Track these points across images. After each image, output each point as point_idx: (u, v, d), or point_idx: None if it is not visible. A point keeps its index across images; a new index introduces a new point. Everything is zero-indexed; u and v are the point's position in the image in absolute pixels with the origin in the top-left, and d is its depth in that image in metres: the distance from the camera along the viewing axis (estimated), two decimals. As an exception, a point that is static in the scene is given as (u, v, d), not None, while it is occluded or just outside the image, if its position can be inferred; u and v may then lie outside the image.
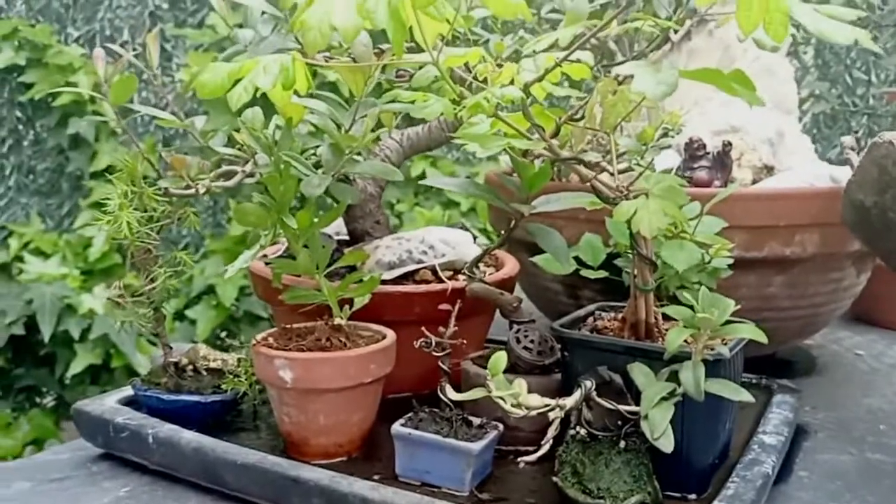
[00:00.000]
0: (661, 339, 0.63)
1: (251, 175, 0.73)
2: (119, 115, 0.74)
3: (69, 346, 2.14)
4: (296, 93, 0.68)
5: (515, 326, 0.72)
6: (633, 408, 0.52)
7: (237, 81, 0.59)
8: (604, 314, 0.71)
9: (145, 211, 0.73)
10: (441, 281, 0.81)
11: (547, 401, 0.49)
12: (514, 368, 0.70)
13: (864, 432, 0.82)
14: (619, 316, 0.67)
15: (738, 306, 0.77)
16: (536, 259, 0.80)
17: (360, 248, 0.83)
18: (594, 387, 0.54)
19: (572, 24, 0.76)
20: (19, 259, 2.28)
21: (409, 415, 0.66)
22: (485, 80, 0.60)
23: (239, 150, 0.71)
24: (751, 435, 0.71)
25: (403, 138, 0.91)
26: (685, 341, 0.55)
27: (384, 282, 0.79)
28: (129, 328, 0.76)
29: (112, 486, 0.69)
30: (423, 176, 2.19)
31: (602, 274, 0.78)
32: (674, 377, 0.54)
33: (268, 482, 0.63)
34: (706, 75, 0.52)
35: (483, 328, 0.86)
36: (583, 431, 0.57)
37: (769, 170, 0.99)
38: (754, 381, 0.85)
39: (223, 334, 2.34)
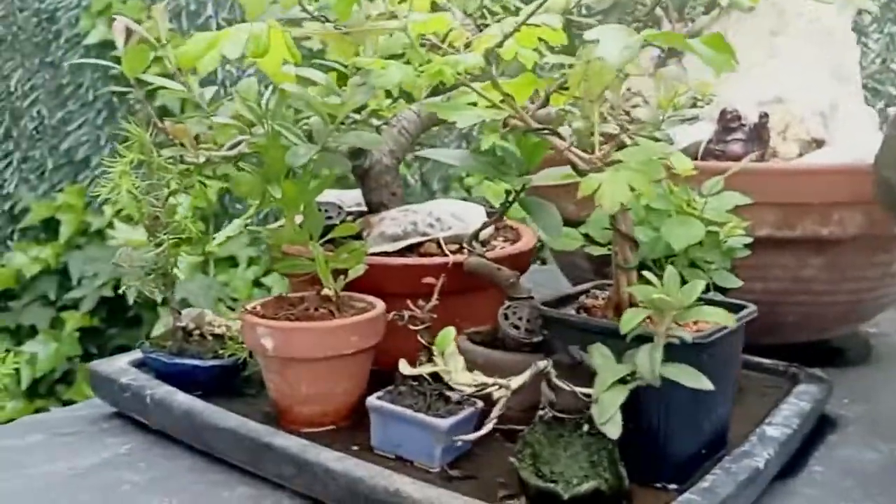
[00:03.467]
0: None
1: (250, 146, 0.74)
2: (135, 86, 0.76)
3: (153, 308, 2.25)
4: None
5: (506, 303, 0.70)
6: (588, 390, 0.49)
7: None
8: (598, 292, 0.68)
9: (155, 179, 0.75)
10: (445, 255, 0.79)
11: (482, 379, 0.47)
12: (503, 346, 0.68)
13: (900, 429, 0.75)
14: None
15: (739, 283, 0.72)
16: (540, 234, 0.78)
17: (367, 219, 0.82)
18: (551, 366, 0.52)
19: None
20: (112, 226, 2.41)
21: (390, 387, 0.65)
22: (458, 49, 0.58)
23: (238, 119, 0.72)
24: (756, 426, 0.67)
25: (422, 109, 0.89)
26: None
27: (387, 254, 0.79)
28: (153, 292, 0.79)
29: (114, 442, 0.72)
30: (492, 149, 2.15)
31: (607, 252, 0.75)
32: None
33: (244, 447, 0.64)
34: (670, 38, 0.48)
35: (491, 305, 0.84)
36: (550, 414, 0.55)
37: (819, 143, 0.92)
38: (781, 367, 0.80)
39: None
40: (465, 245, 0.75)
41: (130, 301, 2.19)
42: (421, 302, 0.65)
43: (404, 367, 0.54)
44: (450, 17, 0.54)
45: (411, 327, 0.63)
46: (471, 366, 0.65)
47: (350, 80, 0.66)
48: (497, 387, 0.47)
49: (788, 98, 0.93)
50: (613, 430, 0.47)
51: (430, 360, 0.64)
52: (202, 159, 0.72)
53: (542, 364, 0.52)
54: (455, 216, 0.82)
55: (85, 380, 2.44)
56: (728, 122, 0.85)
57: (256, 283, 2.42)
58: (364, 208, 0.91)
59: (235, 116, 0.72)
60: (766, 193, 0.78)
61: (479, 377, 0.47)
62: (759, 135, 0.85)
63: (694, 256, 0.71)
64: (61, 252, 2.44)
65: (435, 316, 0.63)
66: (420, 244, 0.81)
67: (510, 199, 0.72)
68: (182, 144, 0.73)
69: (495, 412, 0.48)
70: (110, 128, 2.49)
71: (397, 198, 0.89)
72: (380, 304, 0.70)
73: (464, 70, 0.52)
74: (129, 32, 0.76)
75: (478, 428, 0.64)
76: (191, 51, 0.60)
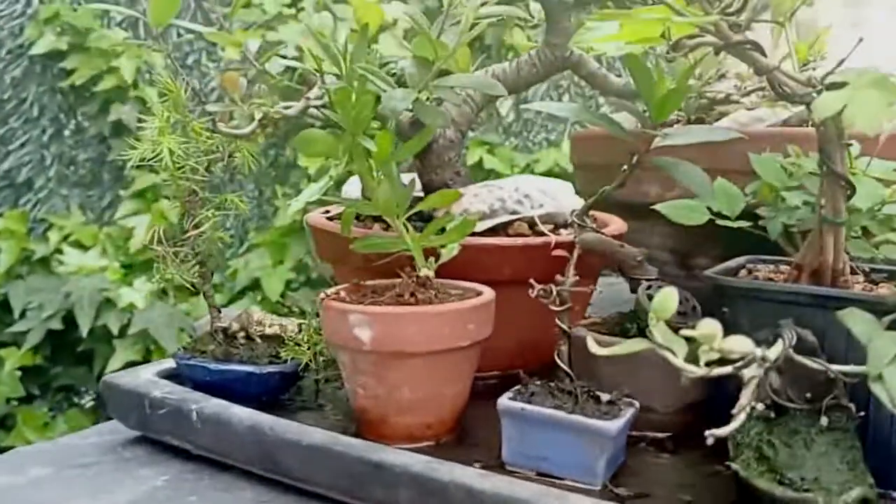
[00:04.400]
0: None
1: (319, 99, 0.60)
2: (160, 39, 0.62)
3: (108, 341, 2.04)
4: None
5: (645, 283, 0.58)
6: (856, 368, 0.38)
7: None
8: (759, 266, 0.56)
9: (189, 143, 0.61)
10: (541, 234, 0.67)
11: (751, 346, 0.35)
12: (640, 334, 0.56)
13: None
14: (785, 269, 0.53)
15: None
16: (660, 207, 0.66)
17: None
18: (794, 341, 0.40)
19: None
20: (59, 252, 2.19)
21: (518, 387, 0.52)
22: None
23: (301, 59, 0.58)
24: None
25: (489, 77, 0.77)
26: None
27: (473, 234, 0.66)
28: (170, 312, 0.64)
29: (148, 473, 0.56)
30: (480, 163, 2.05)
31: (744, 224, 0.63)
32: (900, 328, 0.39)
33: (341, 468, 0.49)
34: None
35: (584, 297, 0.72)
36: (760, 406, 0.43)
37: (918, 117, 0.84)
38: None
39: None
40: (574, 220, 0.63)
41: (84, 333, 1.98)
42: (559, 277, 0.52)
43: (594, 347, 0.41)
44: None
45: (553, 308, 0.50)
46: (604, 362, 0.52)
47: (468, 6, 0.54)
48: (750, 361, 0.35)
49: (883, 68, 0.85)
50: (919, 413, 0.35)
51: (570, 346, 0.52)
52: (258, 116, 0.58)
53: (789, 334, 0.40)
54: (543, 192, 0.70)
55: (26, 423, 2.20)
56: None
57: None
58: (419, 193, 0.78)
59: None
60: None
61: (749, 344, 0.35)
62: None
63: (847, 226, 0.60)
64: (1, 283, 2.21)
65: (588, 289, 0.50)
66: (508, 224, 0.68)
67: (634, 160, 0.60)
68: (232, 99, 0.59)
69: (747, 397, 0.35)
70: (57, 146, 2.28)
71: (462, 178, 0.76)
72: (487, 290, 0.57)
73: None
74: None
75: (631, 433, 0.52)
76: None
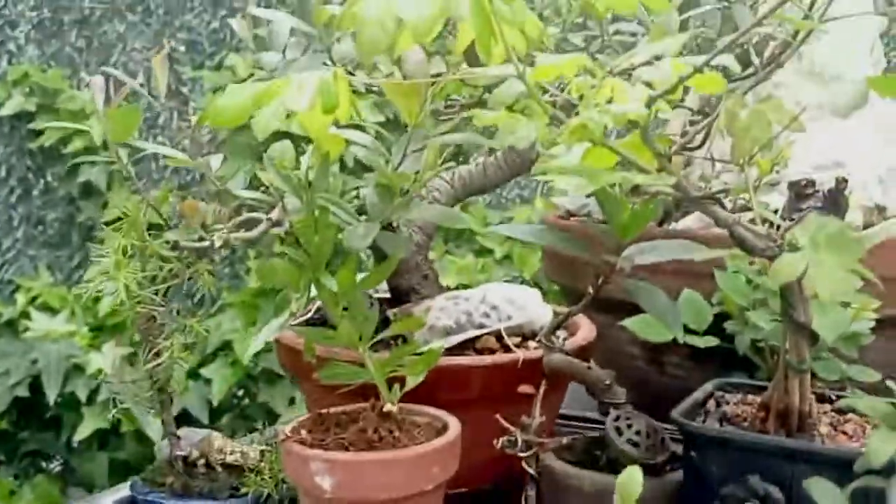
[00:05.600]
0: (817, 433, 0.48)
1: (278, 224, 0.60)
2: (115, 153, 0.62)
3: (76, 408, 2.00)
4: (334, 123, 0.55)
5: (613, 413, 0.57)
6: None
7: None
8: (727, 395, 0.56)
9: (150, 268, 0.59)
10: (508, 350, 0.66)
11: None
12: (613, 466, 0.55)
13: None
14: (753, 400, 0.52)
15: (877, 375, 0.63)
16: (628, 323, 0.66)
17: (409, 309, 0.69)
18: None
19: (658, 39, 0.63)
20: (25, 315, 2.15)
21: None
22: (580, 99, 0.46)
23: (263, 192, 0.57)
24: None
25: (455, 178, 0.77)
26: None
27: (439, 352, 0.65)
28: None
29: None
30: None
31: (712, 342, 0.63)
32: (867, 498, 0.39)
33: None
34: None
35: (554, 409, 0.71)
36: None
37: (881, 210, 0.85)
38: None
39: (240, 392, 2.19)
40: (540, 339, 0.62)
41: (51, 401, 1.93)
42: (525, 419, 0.51)
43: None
44: (584, 57, 0.42)
45: (520, 455, 0.49)
46: (573, 495, 0.52)
47: (430, 143, 0.53)
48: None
49: (844, 163, 0.86)
50: None
51: (538, 487, 0.51)
52: (218, 243, 0.57)
53: (755, 510, 0.39)
54: (511, 302, 0.69)
55: (-8, 492, 2.14)
56: (801, 188, 0.76)
57: (192, 375, 2.20)
58: (385, 295, 0.77)
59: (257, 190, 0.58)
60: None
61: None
62: (835, 202, 0.76)
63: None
64: (-35, 347, 2.16)
65: (547, 441, 0.49)
66: (475, 338, 0.67)
67: (599, 281, 0.60)
68: (193, 226, 0.58)
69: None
70: (25, 207, 2.25)
71: (429, 281, 0.75)
72: (452, 421, 0.56)
73: (622, 123, 0.40)
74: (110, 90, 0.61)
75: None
76: (229, 106, 0.46)
